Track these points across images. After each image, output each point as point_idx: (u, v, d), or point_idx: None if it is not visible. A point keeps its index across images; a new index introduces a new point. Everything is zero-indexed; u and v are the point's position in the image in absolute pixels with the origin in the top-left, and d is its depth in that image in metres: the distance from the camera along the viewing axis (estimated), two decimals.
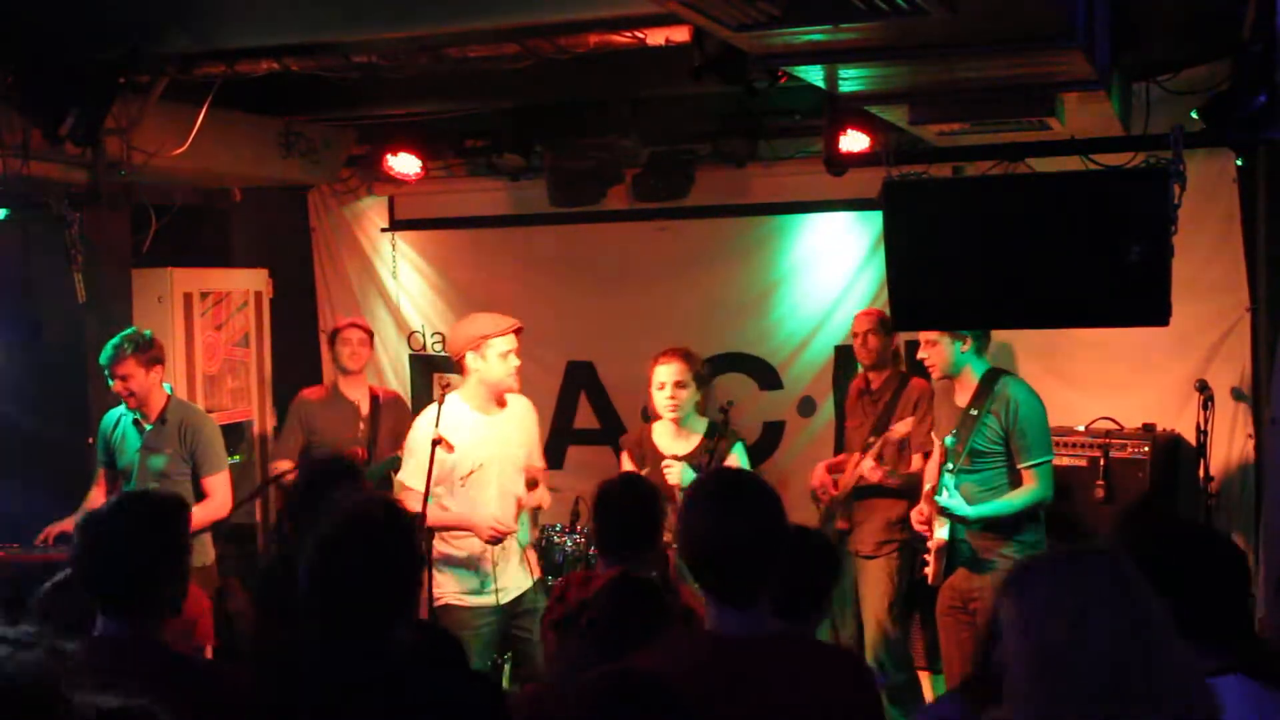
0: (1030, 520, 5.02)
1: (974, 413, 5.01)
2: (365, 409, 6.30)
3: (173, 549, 2.96)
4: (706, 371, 5.56)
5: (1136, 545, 2.46)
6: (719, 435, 5.39)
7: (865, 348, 5.92)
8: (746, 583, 2.60)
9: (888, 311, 5.86)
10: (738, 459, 5.35)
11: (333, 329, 6.61)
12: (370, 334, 6.60)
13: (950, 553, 5.04)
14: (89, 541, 2.90)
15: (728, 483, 2.78)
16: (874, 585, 5.74)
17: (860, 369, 6.11)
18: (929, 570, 5.12)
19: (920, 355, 5.28)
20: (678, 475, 5.28)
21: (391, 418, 6.33)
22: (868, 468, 5.64)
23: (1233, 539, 3.88)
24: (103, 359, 5.44)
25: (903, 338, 6.09)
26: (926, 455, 5.50)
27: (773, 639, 2.63)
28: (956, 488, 4.99)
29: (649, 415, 5.45)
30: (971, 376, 5.08)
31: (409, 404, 6.89)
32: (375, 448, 6.17)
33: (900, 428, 5.63)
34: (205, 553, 5.52)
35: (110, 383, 5.46)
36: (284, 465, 6.17)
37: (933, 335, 5.12)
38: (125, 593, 2.85)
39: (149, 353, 5.46)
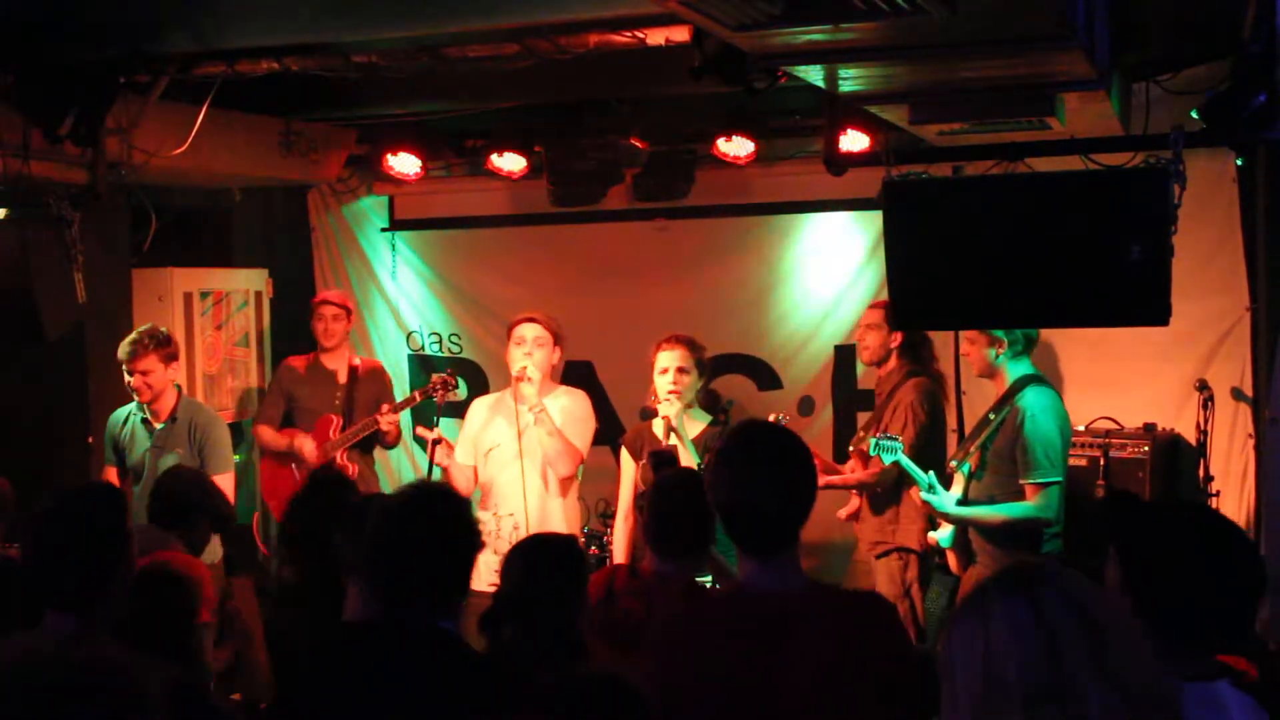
0: (1028, 537, 4.82)
1: (991, 417, 5.01)
2: (343, 379, 6.45)
3: (117, 540, 2.89)
4: (709, 361, 5.51)
5: (1129, 533, 2.39)
6: (721, 419, 5.32)
7: (862, 344, 5.84)
8: (774, 534, 2.64)
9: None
10: None
11: (314, 302, 6.72)
12: (346, 309, 6.64)
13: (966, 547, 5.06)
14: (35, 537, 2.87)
15: (757, 435, 2.82)
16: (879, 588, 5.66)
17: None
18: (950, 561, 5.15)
19: (962, 352, 5.34)
20: (672, 411, 5.20)
21: (373, 387, 6.50)
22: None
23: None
24: (122, 354, 5.45)
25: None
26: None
27: (804, 590, 2.65)
28: (966, 487, 5.00)
29: (647, 414, 5.42)
30: (1004, 380, 5.03)
31: (389, 374, 6.93)
32: (352, 416, 6.35)
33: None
34: (213, 550, 5.52)
35: (129, 378, 5.47)
36: (267, 432, 6.40)
37: (972, 334, 5.10)
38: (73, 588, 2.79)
39: (167, 349, 5.53)
